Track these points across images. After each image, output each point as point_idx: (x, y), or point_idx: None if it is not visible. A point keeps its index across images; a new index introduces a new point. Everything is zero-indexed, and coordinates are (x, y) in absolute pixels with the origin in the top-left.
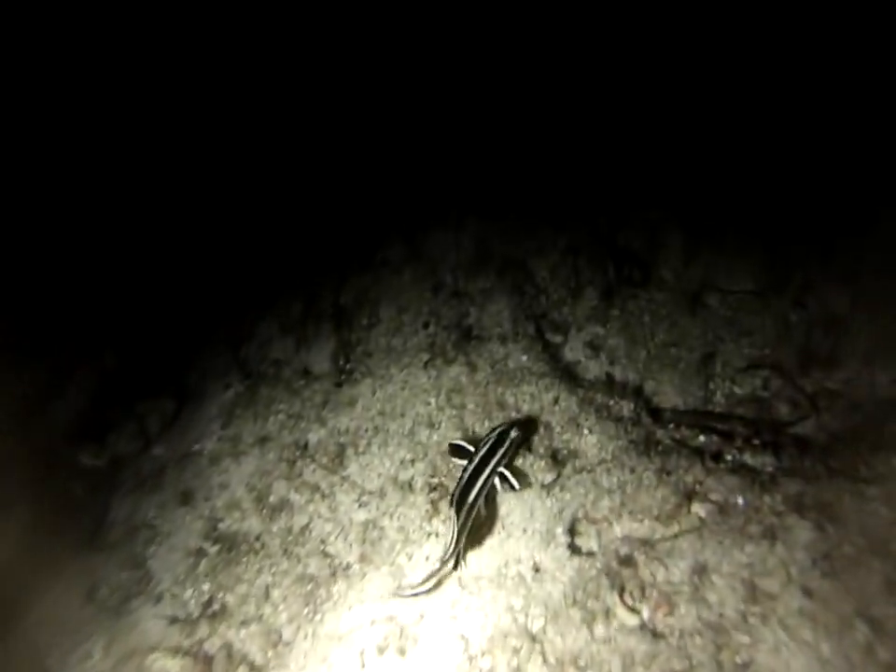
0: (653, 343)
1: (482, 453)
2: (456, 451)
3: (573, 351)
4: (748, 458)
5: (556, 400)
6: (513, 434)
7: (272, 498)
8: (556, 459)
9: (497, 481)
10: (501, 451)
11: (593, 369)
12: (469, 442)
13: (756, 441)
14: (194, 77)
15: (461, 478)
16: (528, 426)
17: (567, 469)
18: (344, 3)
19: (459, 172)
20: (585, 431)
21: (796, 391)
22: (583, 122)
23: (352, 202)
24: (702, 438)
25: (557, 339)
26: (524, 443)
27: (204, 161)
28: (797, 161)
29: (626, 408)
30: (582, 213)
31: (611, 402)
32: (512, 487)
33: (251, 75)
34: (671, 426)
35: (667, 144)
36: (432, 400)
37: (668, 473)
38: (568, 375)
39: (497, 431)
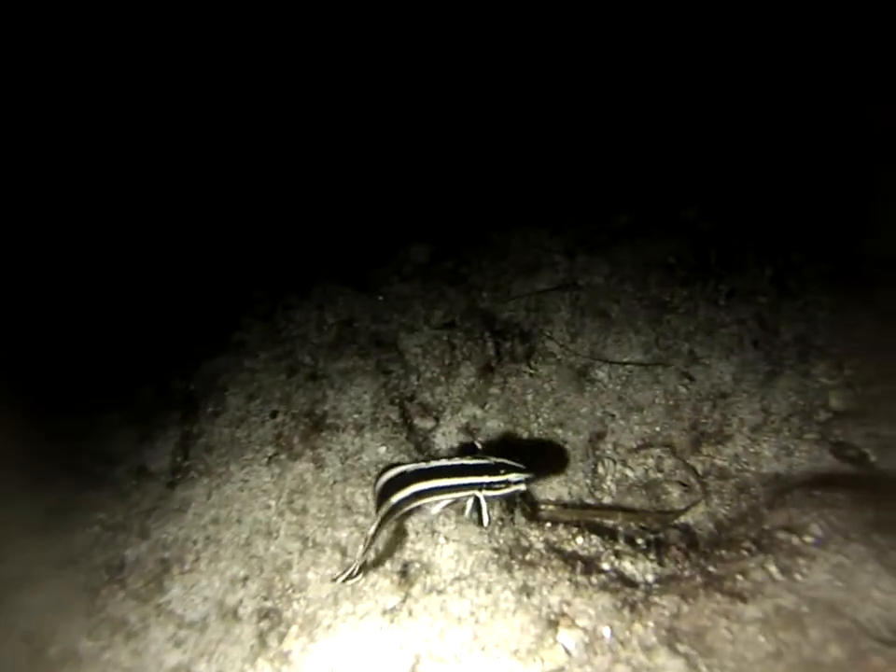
0: (537, 423)
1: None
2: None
3: (446, 437)
4: (626, 565)
5: None
6: (520, 486)
7: (52, 650)
8: (405, 576)
9: (470, 501)
10: (497, 480)
11: None
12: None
13: (640, 541)
14: None
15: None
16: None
17: (416, 589)
18: None
19: (326, 245)
20: (442, 539)
21: (688, 471)
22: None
23: (211, 278)
24: (579, 540)
25: (427, 424)
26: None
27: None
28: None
29: (497, 506)
30: (461, 287)
31: None
32: (480, 522)
33: None
34: (548, 525)
35: (552, 213)
36: (272, 503)
37: (530, 593)
38: None
39: (509, 469)
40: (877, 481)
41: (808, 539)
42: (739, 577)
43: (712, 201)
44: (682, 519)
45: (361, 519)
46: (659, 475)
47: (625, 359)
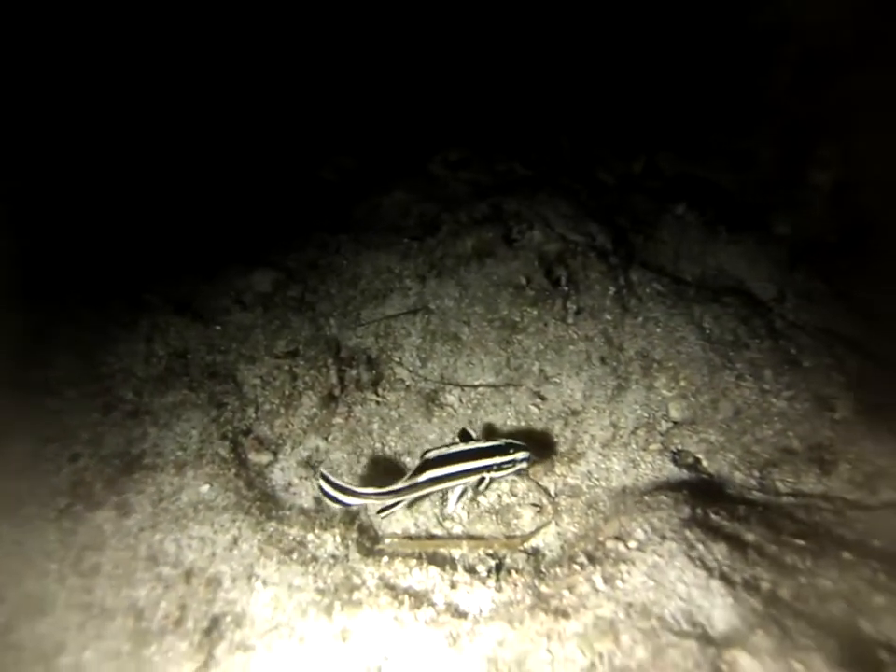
0: (384, 453)
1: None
2: (463, 435)
3: (284, 472)
4: (461, 596)
5: (235, 542)
6: (522, 459)
7: None
8: (210, 634)
9: (474, 479)
10: (503, 460)
11: (306, 493)
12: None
13: (481, 568)
14: None
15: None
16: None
17: (221, 649)
18: None
19: (157, 274)
20: (259, 584)
21: (540, 492)
22: None
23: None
24: (416, 573)
25: (263, 458)
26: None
27: None
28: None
29: (331, 542)
30: (307, 315)
31: (310, 536)
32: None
33: None
34: (385, 559)
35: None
36: (53, 567)
37: (347, 638)
38: (267, 505)
39: (512, 448)
40: (704, 482)
41: (632, 543)
42: (566, 593)
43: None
44: (532, 542)
45: (167, 570)
46: (512, 499)
47: (476, 382)
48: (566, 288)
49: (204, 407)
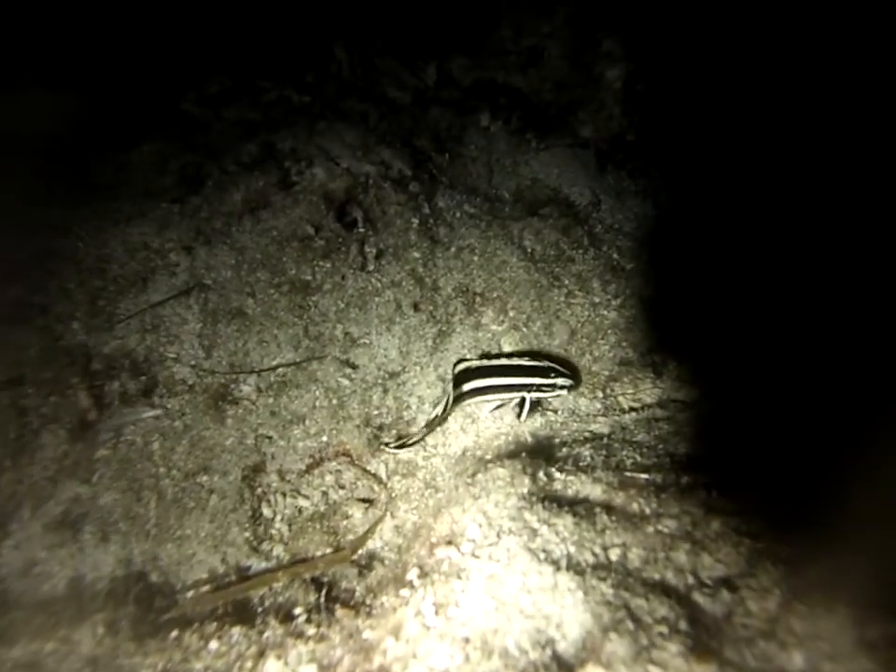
0: (171, 478)
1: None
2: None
3: (20, 548)
4: (269, 667)
5: None
6: (562, 386)
7: None
8: None
9: (521, 396)
10: (543, 382)
11: (60, 571)
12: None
13: (299, 611)
14: None
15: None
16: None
17: None
18: None
19: None
20: None
21: (370, 479)
22: None
23: None
24: (213, 645)
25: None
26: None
27: None
28: None
29: (88, 639)
30: (36, 322)
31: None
32: (518, 416)
33: None
34: (174, 633)
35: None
36: None
37: None
38: None
39: (553, 373)
40: (548, 423)
41: (466, 546)
42: (391, 642)
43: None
44: (366, 547)
45: None
46: (340, 494)
47: (273, 363)
48: (361, 230)
49: None
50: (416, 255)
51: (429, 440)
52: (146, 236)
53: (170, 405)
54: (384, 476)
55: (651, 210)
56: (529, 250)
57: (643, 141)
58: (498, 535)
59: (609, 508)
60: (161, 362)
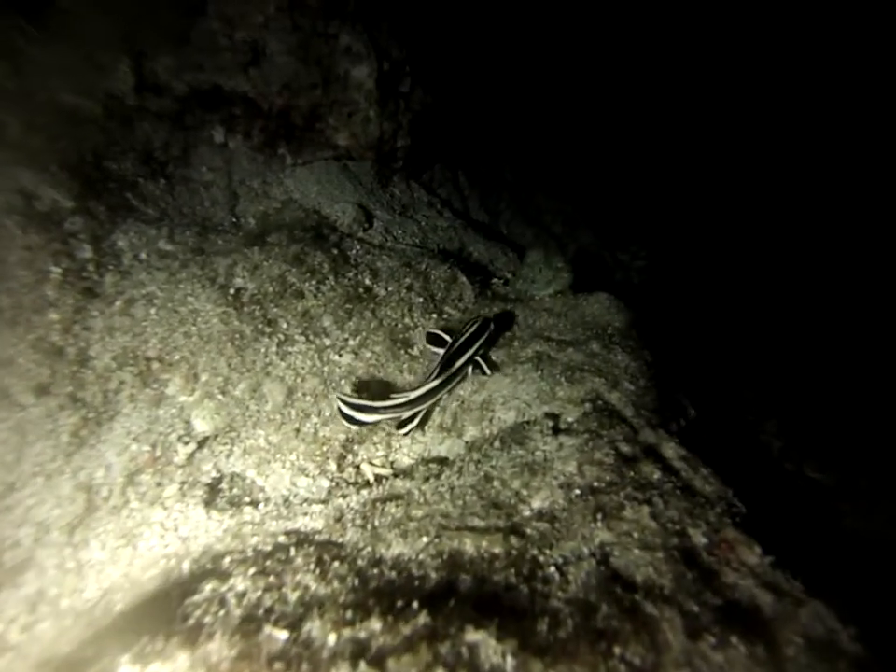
0: None
1: (461, 340)
2: (434, 339)
3: None
4: None
5: None
6: (491, 327)
7: None
8: None
9: (469, 367)
10: (480, 341)
11: None
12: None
13: None
14: None
15: (444, 356)
16: (505, 319)
17: None
18: None
19: None
20: None
21: None
22: None
23: None
24: None
25: None
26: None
27: None
28: None
29: None
30: None
31: None
32: (483, 372)
33: None
34: None
35: None
36: None
37: None
38: None
39: (475, 324)
40: (246, 519)
41: None
42: None
43: None
44: None
45: None
46: None
47: None
48: None
49: None
50: (53, 317)
51: (46, 589)
52: None
53: None
54: None
55: (445, 221)
56: (234, 291)
57: (421, 145)
58: None
59: None
60: None
